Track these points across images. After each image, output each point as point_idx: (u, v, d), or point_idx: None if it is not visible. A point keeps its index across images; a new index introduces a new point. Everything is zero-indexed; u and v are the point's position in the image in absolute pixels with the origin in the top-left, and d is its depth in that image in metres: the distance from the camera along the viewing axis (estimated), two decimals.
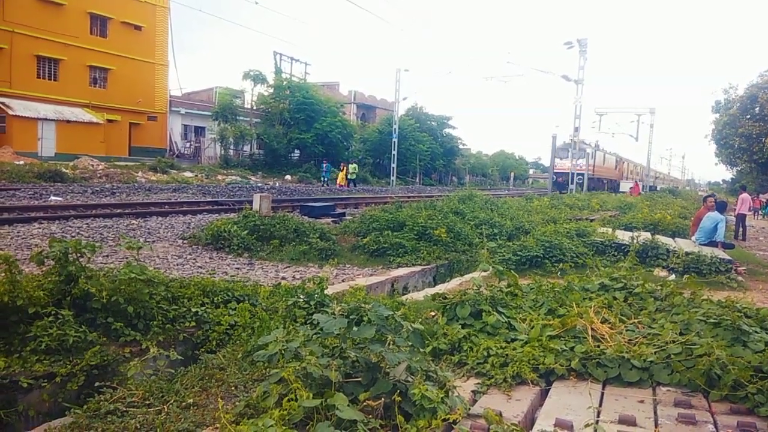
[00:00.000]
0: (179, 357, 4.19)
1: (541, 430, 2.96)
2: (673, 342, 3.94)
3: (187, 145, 43.86)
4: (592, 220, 15.16)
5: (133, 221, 12.68)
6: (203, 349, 4.64)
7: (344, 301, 4.86)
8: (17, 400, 3.65)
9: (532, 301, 5.33)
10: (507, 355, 3.97)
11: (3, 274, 4.28)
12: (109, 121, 36.97)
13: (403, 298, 6.60)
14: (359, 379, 2.95)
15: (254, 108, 44.76)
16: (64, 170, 24.35)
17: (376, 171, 50.00)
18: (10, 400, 3.62)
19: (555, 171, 46.00)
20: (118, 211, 14.11)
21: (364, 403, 2.75)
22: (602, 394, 3.66)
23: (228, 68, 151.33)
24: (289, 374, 2.75)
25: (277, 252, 10.08)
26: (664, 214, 16.24)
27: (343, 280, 8.40)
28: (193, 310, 4.97)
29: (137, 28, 39.59)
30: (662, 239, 10.57)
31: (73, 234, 10.44)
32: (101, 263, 7.60)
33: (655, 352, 3.88)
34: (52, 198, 16.50)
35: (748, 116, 38.41)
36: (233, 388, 3.65)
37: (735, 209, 17.88)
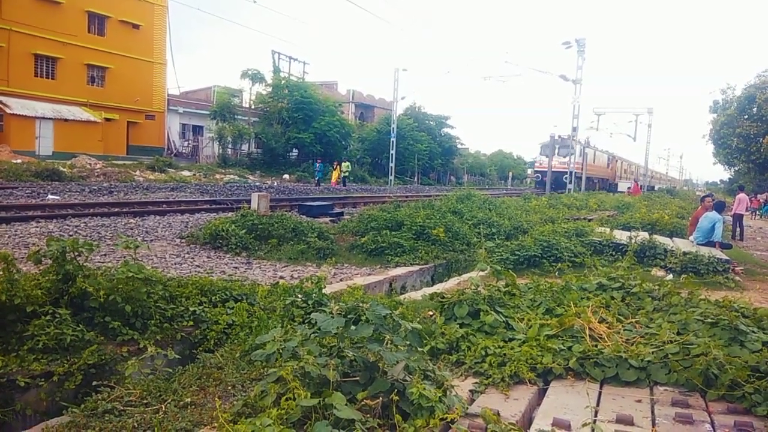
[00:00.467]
0: (177, 356, 4.19)
1: (539, 430, 2.97)
2: (671, 342, 3.95)
3: (185, 144, 43.79)
4: (590, 220, 15.17)
5: (131, 220, 12.66)
6: (201, 349, 4.64)
7: (342, 301, 4.86)
8: (14, 399, 3.65)
9: (530, 301, 5.34)
10: (505, 354, 3.98)
11: (1, 273, 4.27)
12: (107, 119, 36.90)
13: (401, 297, 6.60)
14: (357, 378, 2.95)
15: (252, 107, 44.73)
16: (61, 169, 24.30)
17: (375, 170, 49.99)
18: (8, 399, 3.62)
19: (538, 169, 44.09)
20: (116, 210, 14.09)
21: (362, 403, 2.75)
22: (600, 393, 3.66)
23: (226, 67, 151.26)
24: (287, 373, 2.75)
25: (275, 251, 10.08)
26: (661, 213, 16.27)
27: (341, 280, 8.40)
28: (191, 309, 4.97)
29: (135, 26, 39.51)
30: (660, 239, 10.59)
31: (70, 233, 10.42)
32: (99, 262, 7.59)
33: (652, 352, 3.89)
34: (50, 197, 16.46)
35: (746, 116, 38.49)
36: (231, 387, 3.65)
37: (732, 209, 17.90)
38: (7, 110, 31.36)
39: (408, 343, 3.12)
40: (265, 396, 2.87)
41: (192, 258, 9.19)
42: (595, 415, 3.28)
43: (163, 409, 3.28)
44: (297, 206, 16.76)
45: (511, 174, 73.51)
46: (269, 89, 44.01)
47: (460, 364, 4.07)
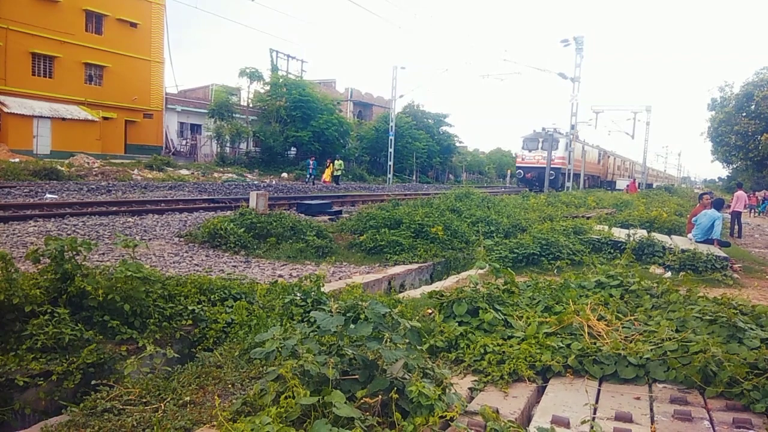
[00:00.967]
0: (176, 355, 4.19)
1: (538, 427, 2.97)
2: (669, 339, 3.96)
3: (184, 142, 43.74)
4: (588, 218, 15.18)
5: (129, 219, 12.65)
6: (200, 347, 4.64)
7: (341, 299, 4.86)
8: (13, 398, 3.64)
9: (529, 299, 5.35)
10: (504, 352, 3.98)
11: None
12: (105, 118, 36.83)
13: (400, 295, 6.60)
14: (356, 376, 2.95)
15: (250, 105, 44.69)
16: (59, 168, 24.26)
17: (373, 168, 49.98)
18: (7, 399, 3.62)
19: (520, 165, 39.98)
20: (114, 208, 14.07)
21: (362, 401, 2.75)
22: (599, 391, 3.67)
23: (224, 66, 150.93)
24: (286, 372, 2.75)
25: (273, 250, 10.07)
26: (660, 211, 16.28)
27: (339, 278, 8.40)
28: (190, 308, 4.97)
29: (133, 25, 39.43)
30: (658, 237, 10.60)
31: (68, 232, 10.40)
32: (97, 261, 7.58)
33: (651, 349, 3.90)
34: (48, 196, 16.44)
35: (744, 114, 38.56)
36: (230, 385, 3.65)
37: (730, 207, 17.93)
38: (5, 109, 31.29)
39: (407, 341, 3.12)
40: (264, 394, 2.87)
41: (190, 257, 9.18)
42: (594, 413, 3.28)
43: (163, 407, 3.28)
44: (295, 205, 16.75)
45: (509, 172, 73.43)
46: (267, 88, 43.98)
47: (459, 362, 4.07)
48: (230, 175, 33.37)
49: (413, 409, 2.78)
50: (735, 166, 47.77)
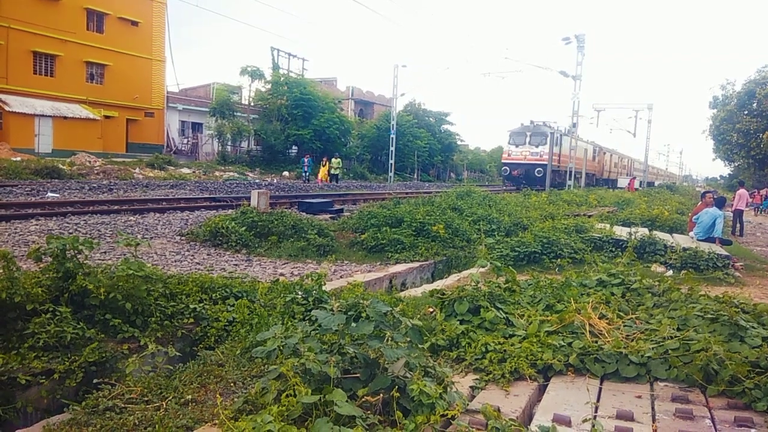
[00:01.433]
0: (177, 353, 4.20)
1: (540, 426, 2.97)
2: (671, 337, 3.96)
3: (185, 141, 43.76)
4: (589, 216, 15.17)
5: (131, 218, 12.66)
6: (201, 346, 4.64)
7: (342, 298, 4.87)
8: (15, 396, 3.65)
9: (530, 297, 5.35)
10: (505, 350, 3.98)
11: (1, 271, 4.27)
12: (106, 117, 36.85)
13: (402, 294, 6.60)
14: (358, 375, 2.95)
15: (252, 104, 44.67)
16: (61, 167, 24.27)
17: (374, 167, 49.94)
18: (9, 397, 3.62)
19: (506, 162, 37.20)
20: (116, 207, 14.08)
21: (363, 399, 2.75)
22: (600, 389, 3.67)
23: (225, 64, 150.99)
24: (287, 370, 2.75)
25: (275, 248, 10.08)
26: (661, 209, 16.27)
27: (341, 277, 8.40)
28: (192, 306, 4.97)
29: (134, 23, 39.41)
30: (660, 235, 10.59)
31: (70, 230, 10.41)
32: (99, 260, 7.59)
33: (652, 348, 3.89)
34: (50, 194, 16.45)
35: (746, 112, 38.50)
36: (232, 384, 3.66)
37: (732, 205, 17.90)
38: (6, 108, 31.31)
39: (408, 339, 3.12)
40: (265, 393, 2.88)
41: (192, 255, 9.19)
42: (596, 411, 3.28)
43: (164, 406, 3.28)
44: (297, 203, 16.74)
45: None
46: (268, 86, 43.93)
47: (461, 361, 4.08)
48: (231, 173, 33.37)
49: (414, 407, 2.78)
50: (737, 164, 47.71)
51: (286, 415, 2.59)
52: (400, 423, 2.69)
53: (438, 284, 7.50)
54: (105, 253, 8.52)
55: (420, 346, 3.24)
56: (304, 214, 14.17)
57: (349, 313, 3.20)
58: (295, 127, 42.12)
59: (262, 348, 3.03)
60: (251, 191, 14.44)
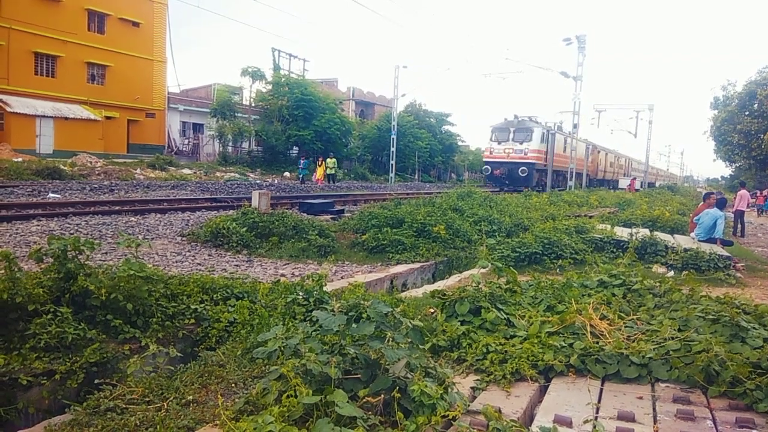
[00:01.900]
0: (179, 354, 4.20)
1: (541, 427, 2.97)
2: (672, 338, 3.95)
3: (186, 142, 43.80)
4: (590, 217, 15.17)
5: (132, 218, 12.67)
6: (203, 346, 4.65)
7: (343, 298, 4.87)
8: (17, 397, 3.65)
9: (531, 298, 5.34)
10: (506, 351, 3.98)
11: (2, 272, 4.28)
12: (108, 118, 36.89)
13: (402, 295, 6.60)
14: (359, 375, 2.95)
15: (253, 105, 44.72)
16: (62, 167, 24.30)
17: (375, 168, 49.97)
18: (10, 398, 3.63)
19: (488, 160, 34.68)
20: (117, 208, 14.09)
21: (364, 400, 2.75)
22: (601, 390, 3.67)
23: (226, 65, 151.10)
24: (288, 371, 2.75)
25: (276, 249, 10.08)
26: (662, 210, 16.26)
27: (342, 277, 8.40)
28: (193, 307, 4.97)
29: (135, 24, 39.47)
30: (661, 236, 10.59)
31: (71, 231, 10.42)
32: (100, 260, 7.60)
33: (653, 349, 3.89)
34: (51, 195, 16.47)
35: (747, 113, 38.47)
36: (233, 385, 3.66)
37: (734, 206, 17.89)
38: (8, 109, 31.36)
39: (409, 340, 3.13)
40: (267, 393, 2.88)
41: (193, 256, 9.19)
42: (597, 412, 3.28)
43: (165, 406, 3.28)
44: (298, 204, 16.75)
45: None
46: (269, 87, 44.00)
47: (462, 362, 4.07)
48: (232, 174, 33.38)
49: (415, 408, 2.78)
50: (738, 165, 47.66)
51: (287, 415, 2.59)
52: (401, 424, 2.69)
53: (439, 285, 7.50)
54: (106, 253, 8.52)
55: (421, 346, 3.24)
56: (305, 214, 14.18)
57: (350, 314, 3.20)
58: (296, 127, 42.14)
59: (263, 349, 3.03)
60: (252, 192, 14.45)
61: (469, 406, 3.19)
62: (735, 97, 39.99)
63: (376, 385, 2.84)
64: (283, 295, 5.36)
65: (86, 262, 4.65)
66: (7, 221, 10.98)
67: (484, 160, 36.27)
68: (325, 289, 5.43)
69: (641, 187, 46.51)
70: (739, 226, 17.08)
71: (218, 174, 32.56)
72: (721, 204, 12.13)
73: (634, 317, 4.68)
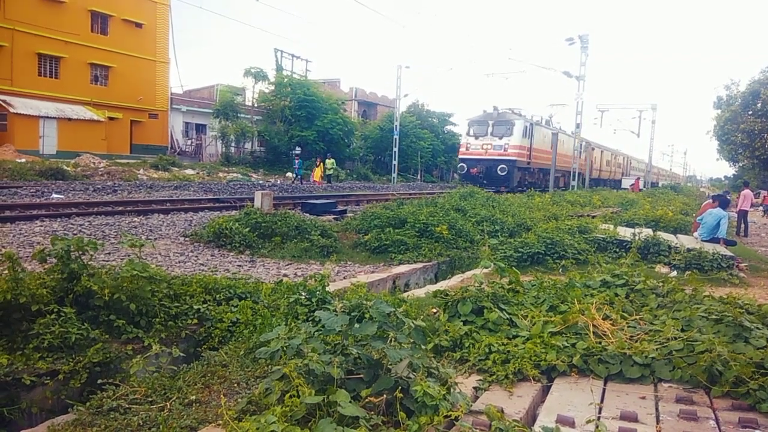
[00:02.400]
0: (181, 354, 4.21)
1: (543, 427, 2.96)
2: (675, 338, 3.95)
3: (189, 142, 43.87)
4: (593, 217, 15.14)
5: (135, 219, 12.69)
6: (205, 346, 4.66)
7: (346, 298, 4.87)
8: (20, 397, 3.67)
9: (534, 298, 5.34)
10: (508, 351, 3.98)
11: (6, 272, 4.29)
12: (111, 118, 36.98)
13: (405, 295, 6.60)
14: (361, 375, 2.96)
15: (255, 105, 44.77)
16: (65, 168, 24.37)
17: (377, 168, 49.99)
18: (13, 398, 3.64)
19: (464, 157, 30.58)
20: (120, 208, 14.12)
21: (366, 400, 2.75)
22: (604, 390, 3.66)
23: (229, 66, 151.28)
24: (291, 371, 2.75)
25: (278, 249, 10.09)
26: (665, 210, 16.22)
27: (344, 278, 8.40)
28: (195, 307, 4.98)
29: (138, 25, 39.56)
30: (664, 236, 10.56)
31: (75, 232, 10.45)
32: (103, 261, 7.62)
33: (656, 349, 3.88)
34: (54, 196, 16.52)
35: (750, 112, 38.33)
36: (235, 385, 3.66)
37: (737, 206, 17.84)
38: (11, 109, 31.45)
39: (412, 340, 3.13)
40: (269, 393, 2.88)
41: (196, 256, 9.21)
42: (599, 412, 3.28)
43: (168, 406, 3.29)
44: (300, 204, 16.77)
45: None
46: (272, 87, 44.06)
47: (464, 362, 4.07)
48: (235, 174, 33.43)
49: (418, 408, 2.78)
50: (741, 165, 47.45)
51: (290, 415, 2.59)
52: (403, 424, 2.69)
53: (441, 285, 7.50)
54: (109, 254, 8.54)
55: (423, 346, 3.24)
56: (307, 215, 14.19)
57: (352, 314, 3.20)
58: (298, 128, 42.19)
59: (265, 349, 3.03)
60: (255, 192, 14.47)
61: (471, 406, 3.19)
62: (738, 97, 39.85)
63: (379, 385, 2.84)
64: (285, 296, 5.36)
65: (89, 263, 4.67)
66: (10, 222, 11.02)
67: (460, 157, 31.68)
68: (327, 289, 5.43)
69: (644, 187, 46.37)
70: (743, 225, 17.03)
71: (221, 174, 32.61)
72: (724, 204, 12.09)
73: (637, 317, 4.67)
